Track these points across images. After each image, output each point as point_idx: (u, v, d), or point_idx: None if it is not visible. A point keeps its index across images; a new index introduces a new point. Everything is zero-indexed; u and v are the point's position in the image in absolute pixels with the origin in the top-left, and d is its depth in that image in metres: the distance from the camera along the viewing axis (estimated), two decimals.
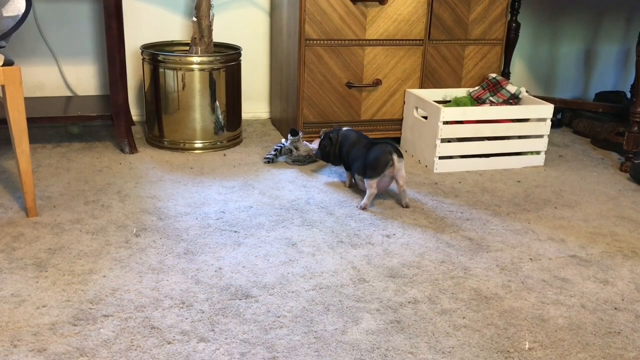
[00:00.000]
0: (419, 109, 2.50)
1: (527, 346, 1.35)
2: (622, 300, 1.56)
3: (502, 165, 2.46)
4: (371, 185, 2.00)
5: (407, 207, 2.04)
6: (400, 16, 2.49)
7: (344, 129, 2.20)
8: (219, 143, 2.52)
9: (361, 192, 2.10)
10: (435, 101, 2.46)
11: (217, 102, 2.46)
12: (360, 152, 2.06)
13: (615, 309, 1.52)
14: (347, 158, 2.13)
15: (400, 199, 2.05)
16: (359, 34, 2.47)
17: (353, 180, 2.15)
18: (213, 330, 1.36)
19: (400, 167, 1.99)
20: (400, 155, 1.99)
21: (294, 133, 2.37)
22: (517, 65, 3.34)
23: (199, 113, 2.44)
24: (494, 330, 1.41)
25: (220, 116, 2.48)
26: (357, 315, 1.44)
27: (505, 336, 1.39)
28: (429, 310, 1.47)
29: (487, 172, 2.41)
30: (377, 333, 1.37)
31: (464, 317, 1.45)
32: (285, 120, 2.71)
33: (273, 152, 2.39)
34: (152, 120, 2.51)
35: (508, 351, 1.33)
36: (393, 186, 2.07)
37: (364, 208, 2.01)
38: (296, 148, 2.36)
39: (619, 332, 1.42)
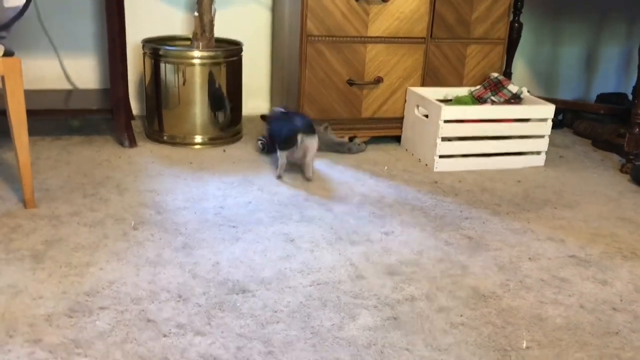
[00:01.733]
0: (420, 107, 2.49)
1: (524, 345, 1.35)
2: (621, 300, 1.55)
3: (502, 165, 2.45)
4: (281, 156, 2.17)
5: (309, 180, 2.15)
6: (403, 14, 2.48)
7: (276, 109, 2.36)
8: (219, 139, 2.51)
9: (356, 189, 2.09)
10: (436, 100, 2.46)
11: (217, 98, 2.45)
12: (278, 127, 2.21)
13: (614, 309, 1.51)
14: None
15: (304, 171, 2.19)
16: (361, 31, 2.46)
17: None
18: (209, 324, 1.35)
19: (309, 144, 2.11)
20: (310, 132, 2.11)
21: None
22: (519, 65, 3.33)
23: (199, 108, 2.44)
24: (491, 329, 1.40)
25: (220, 111, 2.48)
26: (354, 311, 1.43)
27: (503, 335, 1.38)
28: (426, 307, 1.47)
29: (487, 172, 2.40)
30: (373, 329, 1.37)
31: (461, 315, 1.44)
32: None
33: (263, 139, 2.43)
34: (152, 115, 2.51)
35: (505, 350, 1.33)
36: (395, 185, 2.06)
37: (279, 177, 2.18)
38: None
39: (616, 332, 1.42)
